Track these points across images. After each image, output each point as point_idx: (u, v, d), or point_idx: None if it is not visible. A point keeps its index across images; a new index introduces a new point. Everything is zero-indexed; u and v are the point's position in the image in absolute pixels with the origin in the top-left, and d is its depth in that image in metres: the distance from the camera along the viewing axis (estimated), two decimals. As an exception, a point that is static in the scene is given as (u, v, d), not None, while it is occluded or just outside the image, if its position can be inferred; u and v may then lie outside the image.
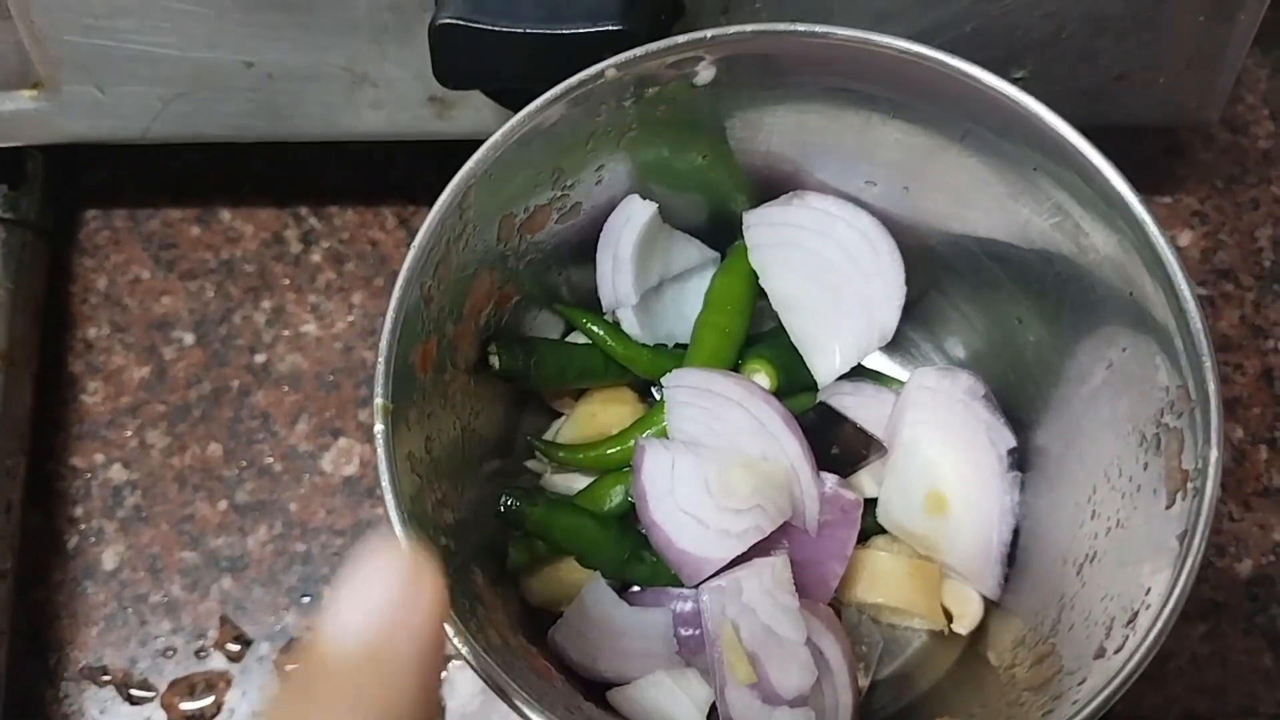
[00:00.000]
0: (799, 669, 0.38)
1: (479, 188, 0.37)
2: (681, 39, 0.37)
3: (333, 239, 0.61)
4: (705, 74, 0.38)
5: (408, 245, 0.36)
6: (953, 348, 0.49)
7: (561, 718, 0.32)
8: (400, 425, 0.35)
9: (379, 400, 0.33)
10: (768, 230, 0.45)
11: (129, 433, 0.58)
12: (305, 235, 0.61)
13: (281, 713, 0.24)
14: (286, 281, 0.61)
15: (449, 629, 0.31)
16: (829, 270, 0.45)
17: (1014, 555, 0.45)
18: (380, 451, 0.33)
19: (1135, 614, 0.33)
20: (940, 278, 0.46)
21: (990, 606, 0.45)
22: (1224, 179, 0.63)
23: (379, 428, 0.33)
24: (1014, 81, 0.50)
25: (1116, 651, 0.33)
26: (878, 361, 0.50)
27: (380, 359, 0.34)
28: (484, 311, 0.41)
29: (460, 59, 0.43)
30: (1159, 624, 0.31)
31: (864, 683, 0.46)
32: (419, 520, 0.34)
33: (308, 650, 0.24)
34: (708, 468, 0.40)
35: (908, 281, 0.45)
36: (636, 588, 0.45)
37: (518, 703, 0.31)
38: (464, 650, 0.31)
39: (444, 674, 0.53)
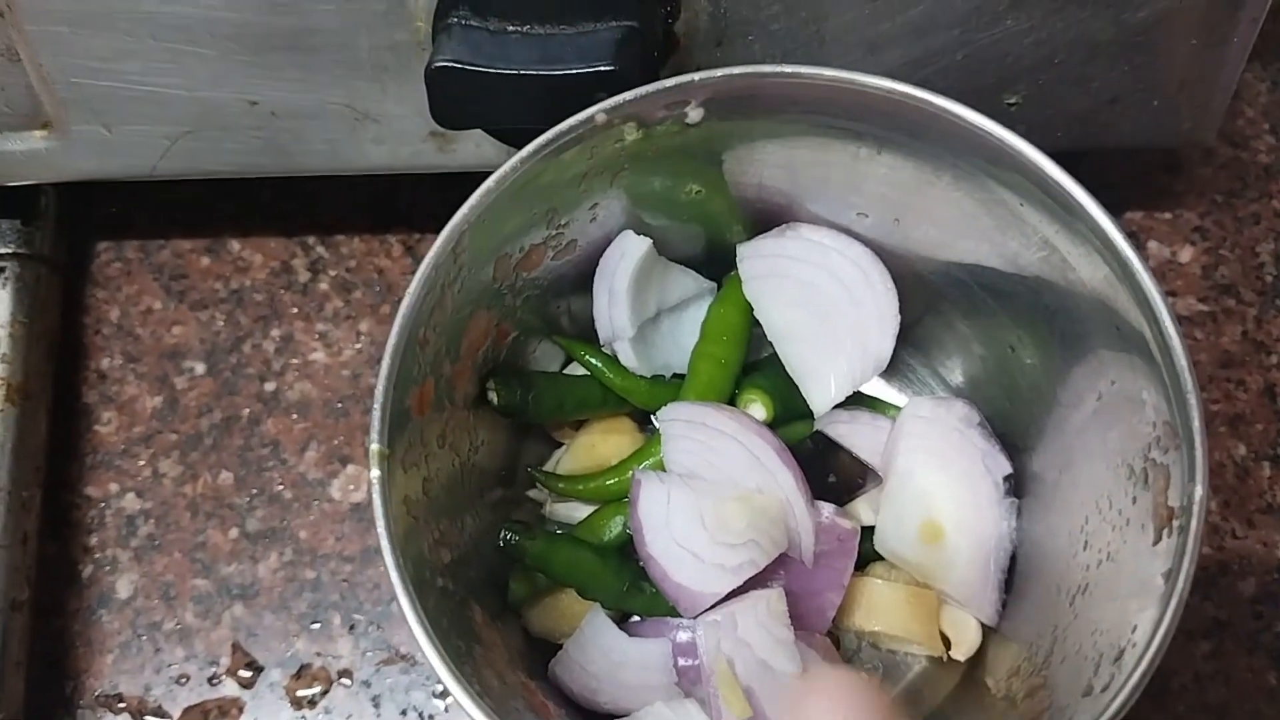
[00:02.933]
0: (794, 701, 0.39)
1: (472, 232, 0.37)
2: (669, 83, 0.38)
3: (340, 268, 0.62)
4: (695, 113, 0.39)
5: (413, 273, 0.36)
6: (950, 373, 0.49)
7: (556, 757, 0.33)
8: (396, 469, 0.35)
9: (375, 446, 0.34)
10: (761, 262, 0.46)
11: (142, 462, 0.59)
12: (313, 264, 0.62)
13: None
14: (295, 310, 0.62)
15: (443, 674, 0.32)
16: (823, 300, 0.45)
17: (1012, 581, 0.45)
18: (376, 498, 0.34)
19: (1122, 652, 0.33)
20: (935, 304, 0.47)
21: (989, 632, 0.45)
22: (1224, 194, 0.63)
23: (375, 474, 0.34)
24: (1007, 107, 0.51)
25: (1103, 690, 0.33)
26: (876, 387, 0.51)
27: (376, 406, 0.34)
28: (481, 349, 0.42)
29: (457, 100, 0.44)
30: (1143, 664, 0.32)
31: (863, 709, 0.46)
32: (415, 563, 0.35)
33: None
34: (703, 501, 0.41)
35: (903, 307, 0.46)
36: (637, 618, 0.45)
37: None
38: (459, 696, 0.32)
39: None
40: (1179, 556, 0.32)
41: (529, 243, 0.41)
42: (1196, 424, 0.33)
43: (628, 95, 0.38)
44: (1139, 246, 0.62)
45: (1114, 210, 0.62)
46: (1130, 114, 0.52)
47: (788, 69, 0.37)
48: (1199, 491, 0.32)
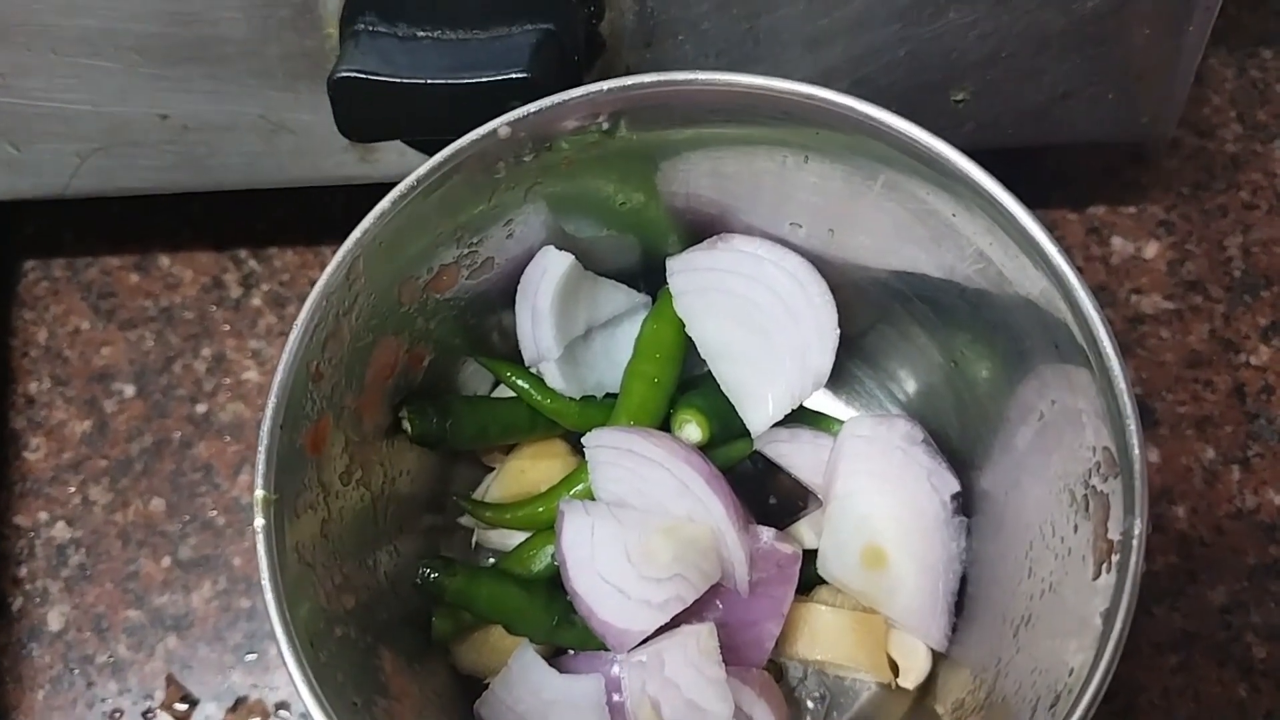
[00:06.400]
0: (726, 744, 0.37)
1: (369, 258, 0.35)
2: (575, 94, 0.35)
3: (273, 281, 0.60)
4: (607, 123, 0.37)
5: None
6: (899, 386, 0.47)
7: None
8: (288, 514, 0.33)
9: (259, 493, 0.32)
10: (692, 276, 0.43)
11: (72, 489, 0.57)
12: (245, 279, 0.60)
13: None
14: (227, 327, 0.59)
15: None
16: (758, 314, 0.43)
17: (963, 603, 0.43)
18: (260, 548, 0.31)
19: (1058, 697, 0.31)
20: (880, 316, 0.44)
21: (939, 657, 0.43)
22: (1191, 186, 0.61)
23: (259, 522, 0.32)
24: (954, 104, 0.49)
25: (1036, 738, 0.31)
26: (822, 402, 0.49)
27: (261, 448, 0.32)
28: (391, 377, 0.40)
29: (362, 112, 0.42)
30: (1077, 713, 0.29)
31: (810, 740, 0.44)
32: (310, 614, 0.33)
33: None
34: (628, 534, 0.39)
35: (844, 320, 0.43)
36: (571, 651, 0.43)
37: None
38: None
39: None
40: (1117, 595, 0.30)
41: (438, 263, 0.39)
42: (1136, 453, 0.31)
43: (532, 107, 0.36)
44: (1102, 241, 0.60)
45: (1077, 205, 0.61)
46: (1085, 108, 0.50)
47: (701, 76, 0.35)
48: (1138, 526, 0.30)
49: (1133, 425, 0.31)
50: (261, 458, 0.32)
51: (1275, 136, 0.62)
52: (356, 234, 0.35)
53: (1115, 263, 0.60)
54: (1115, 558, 0.31)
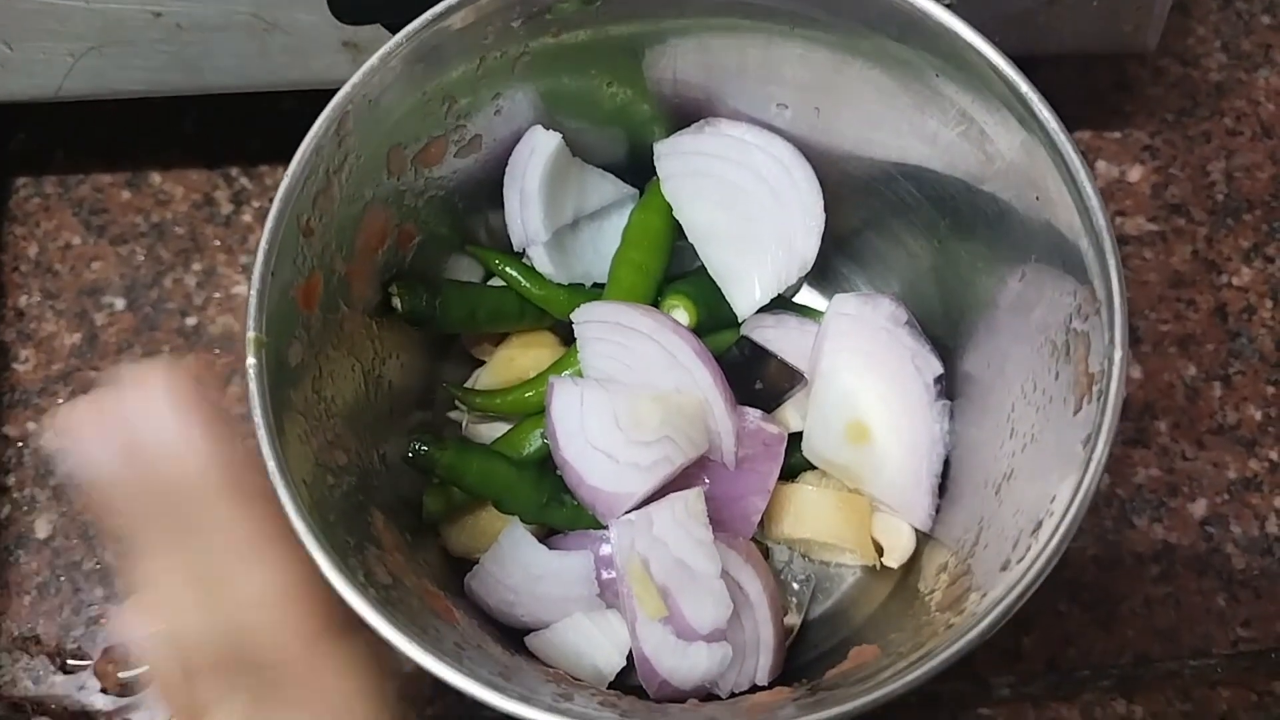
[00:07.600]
0: (713, 602, 0.37)
1: (358, 115, 0.35)
2: (565, -49, 0.36)
3: (264, 198, 0.60)
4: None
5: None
6: (884, 280, 0.48)
7: (448, 652, 0.31)
8: (281, 361, 0.33)
9: (251, 333, 0.32)
10: (680, 160, 0.44)
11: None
12: (236, 195, 0.60)
13: None
14: (217, 243, 0.60)
15: (323, 564, 0.30)
16: (745, 199, 0.43)
17: (945, 485, 0.43)
18: (252, 386, 0.32)
19: (1040, 523, 0.31)
20: (866, 208, 0.45)
21: (922, 538, 0.43)
22: (1174, 112, 0.62)
23: (250, 361, 0.32)
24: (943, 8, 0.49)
25: (1019, 561, 0.31)
26: (810, 298, 0.49)
27: (252, 291, 0.33)
28: (380, 250, 0.40)
29: (355, -9, 0.42)
30: (1061, 528, 0.30)
31: (796, 621, 0.44)
32: (299, 458, 0.33)
33: None
34: (617, 401, 0.39)
35: (835, 213, 0.44)
36: (561, 535, 0.44)
37: (384, 633, 0.30)
38: (334, 582, 0.30)
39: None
40: (1099, 418, 0.31)
41: (427, 134, 0.39)
42: (1115, 283, 0.31)
43: (520, -37, 0.36)
44: (1087, 165, 0.61)
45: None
46: (1069, 15, 0.50)
47: (688, -67, 0.35)
48: (1118, 353, 0.31)
49: (1112, 258, 0.31)
50: (253, 300, 0.33)
51: (1259, 65, 0.63)
52: (346, 89, 0.35)
53: (1100, 186, 0.60)
54: (1096, 388, 0.31)
